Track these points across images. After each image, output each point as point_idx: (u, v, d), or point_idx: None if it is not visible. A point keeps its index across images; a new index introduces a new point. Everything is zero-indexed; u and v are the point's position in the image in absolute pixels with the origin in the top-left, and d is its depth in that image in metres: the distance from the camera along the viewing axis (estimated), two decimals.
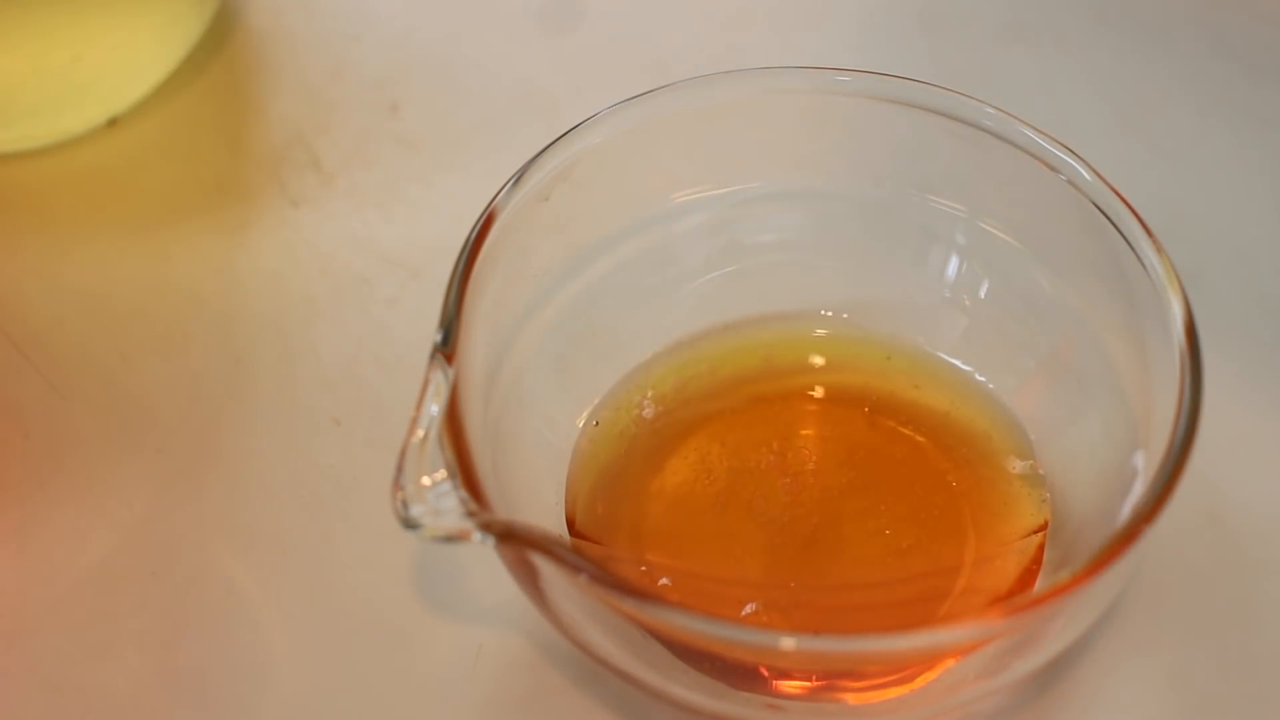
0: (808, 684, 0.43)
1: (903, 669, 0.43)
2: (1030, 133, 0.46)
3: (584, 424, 0.47)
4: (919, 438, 0.47)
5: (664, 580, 0.45)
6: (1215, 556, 0.47)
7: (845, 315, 0.49)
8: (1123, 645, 0.46)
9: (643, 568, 0.45)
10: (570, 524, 0.46)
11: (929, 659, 0.43)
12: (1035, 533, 0.45)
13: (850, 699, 0.43)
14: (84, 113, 0.55)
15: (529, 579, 0.42)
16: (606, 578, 0.40)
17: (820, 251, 0.49)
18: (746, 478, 0.46)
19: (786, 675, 0.43)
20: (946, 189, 0.48)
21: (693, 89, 0.47)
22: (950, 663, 0.43)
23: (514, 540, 0.40)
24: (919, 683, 0.43)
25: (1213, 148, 0.56)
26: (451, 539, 0.41)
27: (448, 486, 0.41)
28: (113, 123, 0.56)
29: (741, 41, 0.59)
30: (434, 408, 0.42)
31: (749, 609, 0.44)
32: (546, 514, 0.46)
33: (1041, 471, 0.46)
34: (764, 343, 0.49)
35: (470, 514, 0.41)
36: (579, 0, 0.60)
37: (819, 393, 0.48)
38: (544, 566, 0.41)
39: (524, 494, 0.45)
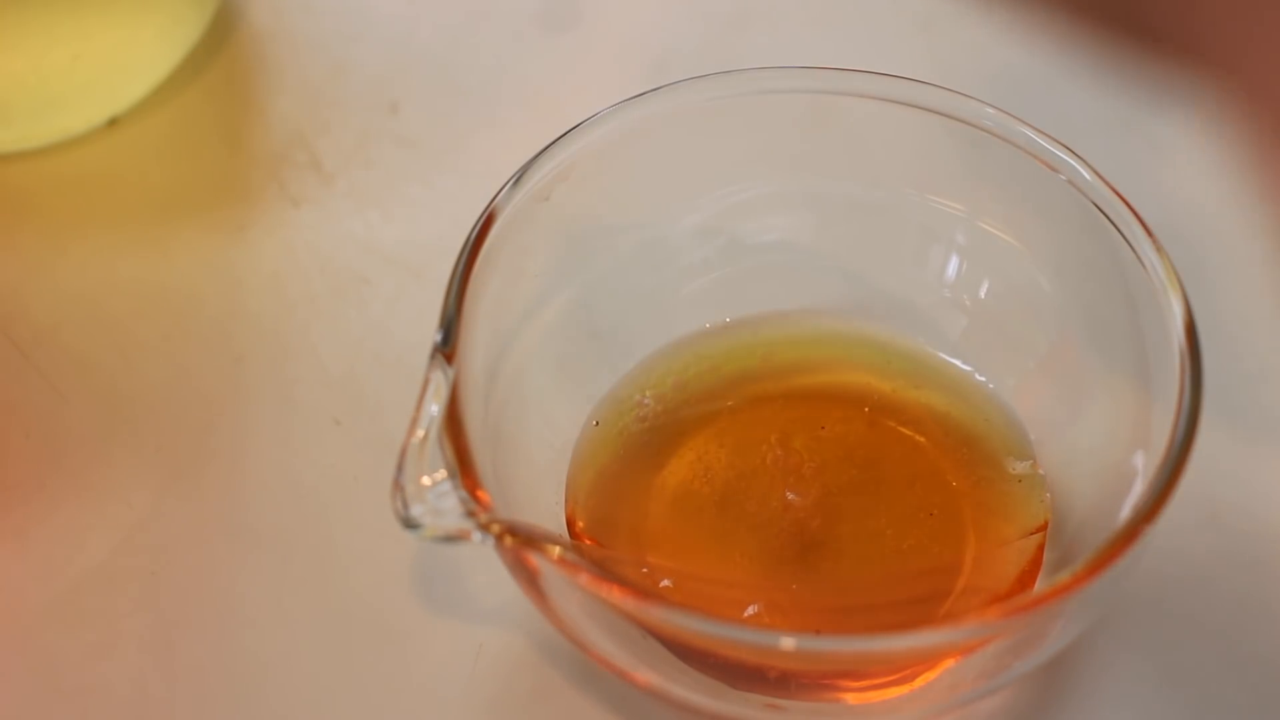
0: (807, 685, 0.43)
1: (903, 669, 0.43)
2: (1030, 133, 0.46)
3: (584, 424, 0.47)
4: (919, 438, 0.47)
5: (665, 582, 0.45)
6: (1215, 556, 0.47)
7: (845, 315, 0.49)
8: (1123, 645, 0.46)
9: (644, 569, 0.45)
10: (570, 524, 0.46)
11: (929, 659, 0.43)
12: (1035, 533, 0.45)
13: (850, 699, 0.43)
14: (84, 113, 0.55)
15: (529, 579, 0.42)
16: (606, 578, 0.40)
17: (820, 251, 0.49)
18: (746, 477, 0.46)
19: (787, 676, 0.43)
20: (946, 189, 0.48)
21: (693, 89, 0.47)
22: (950, 663, 0.43)
23: (514, 540, 0.40)
24: (919, 683, 0.43)
25: (1213, 148, 0.56)
26: (451, 539, 0.41)
27: (448, 486, 0.41)
28: (113, 123, 0.56)
29: (741, 41, 0.59)
30: (434, 408, 0.42)
31: (750, 610, 0.44)
32: (546, 514, 0.46)
33: (1041, 471, 0.46)
34: (764, 342, 0.49)
35: (470, 514, 0.41)
36: (579, 0, 0.60)
37: (819, 393, 0.48)
38: (544, 566, 0.41)
39: (524, 494, 0.45)
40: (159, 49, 0.55)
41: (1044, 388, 0.47)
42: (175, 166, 0.56)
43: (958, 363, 0.48)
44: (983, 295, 0.48)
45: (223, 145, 0.56)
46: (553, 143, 0.46)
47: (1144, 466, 0.43)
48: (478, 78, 0.58)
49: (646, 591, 0.43)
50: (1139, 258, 0.44)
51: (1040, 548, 0.45)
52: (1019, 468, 0.46)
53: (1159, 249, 0.44)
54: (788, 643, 0.40)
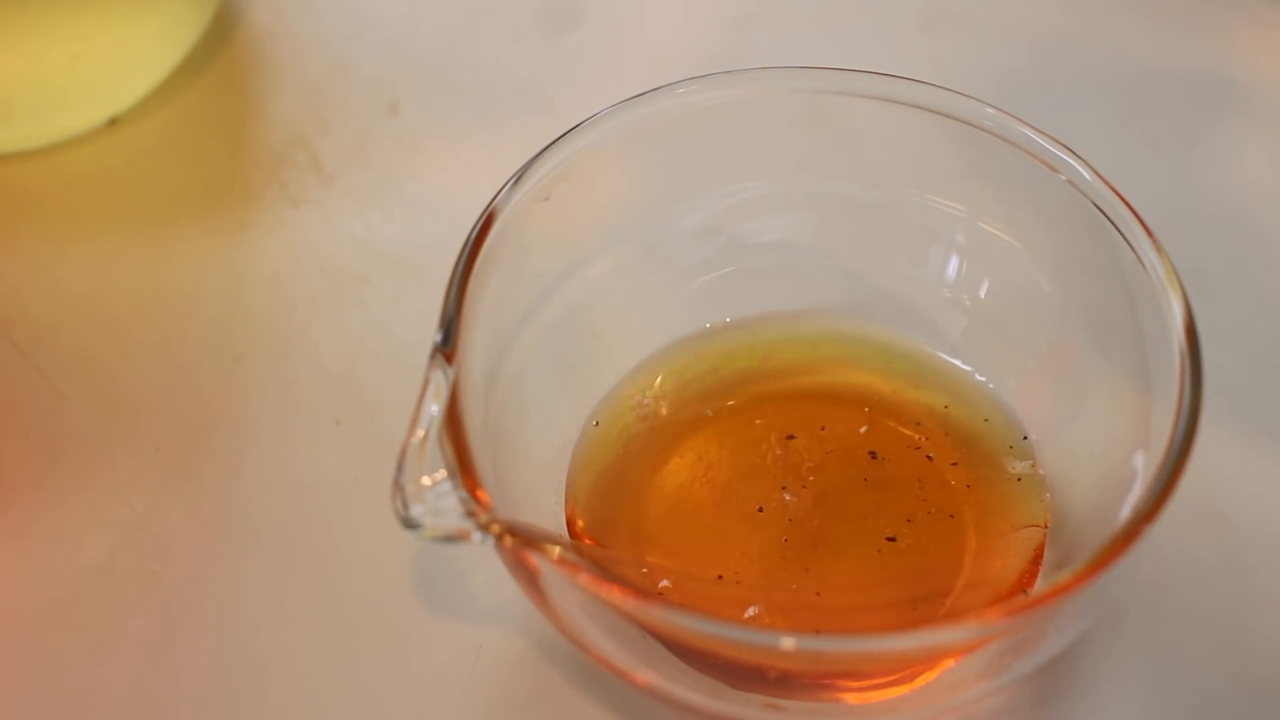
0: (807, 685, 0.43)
1: (903, 669, 0.43)
2: (1030, 133, 0.46)
3: (584, 424, 0.47)
4: (919, 437, 0.47)
5: (665, 582, 0.45)
6: (1215, 556, 0.47)
7: (845, 315, 0.49)
8: (1123, 645, 0.46)
9: (644, 569, 0.45)
10: (570, 524, 0.46)
11: (929, 659, 0.43)
12: (1034, 527, 0.45)
13: (850, 699, 0.43)
14: (84, 113, 0.55)
15: (529, 579, 0.42)
16: (606, 578, 0.40)
17: (820, 251, 0.49)
18: (747, 477, 0.46)
19: (787, 676, 0.43)
20: (946, 189, 0.48)
21: (692, 89, 0.47)
22: (950, 663, 0.43)
23: (514, 540, 0.40)
24: (919, 683, 0.43)
25: (1213, 148, 0.56)
26: (451, 539, 0.41)
27: (448, 486, 0.41)
28: (113, 123, 0.56)
29: (741, 41, 0.59)
30: (434, 408, 0.42)
31: (751, 610, 0.44)
32: (546, 514, 0.46)
33: (1041, 471, 0.46)
34: (764, 343, 0.49)
35: (470, 514, 0.41)
36: (578, 0, 0.60)
37: (819, 393, 0.48)
38: (544, 566, 0.41)
39: (524, 494, 0.45)
40: (159, 49, 0.55)
41: (1044, 388, 0.47)
42: (175, 166, 0.56)
43: (958, 363, 0.48)
44: (983, 295, 0.48)
45: (223, 145, 0.56)
46: (553, 143, 0.46)
47: (1144, 466, 0.43)
48: (478, 78, 0.58)
49: (646, 591, 0.43)
50: (1139, 258, 0.44)
51: (1040, 547, 0.45)
52: (1019, 468, 0.46)
53: (1159, 249, 0.44)
54: (788, 643, 0.40)
